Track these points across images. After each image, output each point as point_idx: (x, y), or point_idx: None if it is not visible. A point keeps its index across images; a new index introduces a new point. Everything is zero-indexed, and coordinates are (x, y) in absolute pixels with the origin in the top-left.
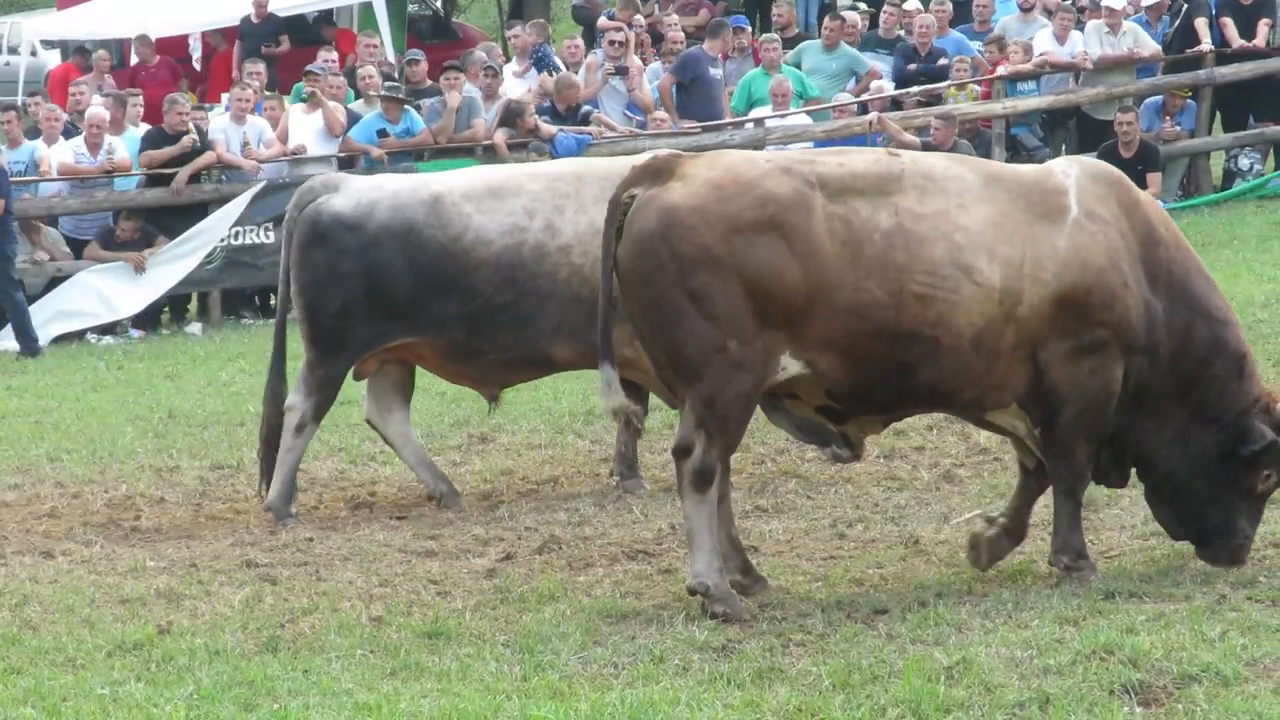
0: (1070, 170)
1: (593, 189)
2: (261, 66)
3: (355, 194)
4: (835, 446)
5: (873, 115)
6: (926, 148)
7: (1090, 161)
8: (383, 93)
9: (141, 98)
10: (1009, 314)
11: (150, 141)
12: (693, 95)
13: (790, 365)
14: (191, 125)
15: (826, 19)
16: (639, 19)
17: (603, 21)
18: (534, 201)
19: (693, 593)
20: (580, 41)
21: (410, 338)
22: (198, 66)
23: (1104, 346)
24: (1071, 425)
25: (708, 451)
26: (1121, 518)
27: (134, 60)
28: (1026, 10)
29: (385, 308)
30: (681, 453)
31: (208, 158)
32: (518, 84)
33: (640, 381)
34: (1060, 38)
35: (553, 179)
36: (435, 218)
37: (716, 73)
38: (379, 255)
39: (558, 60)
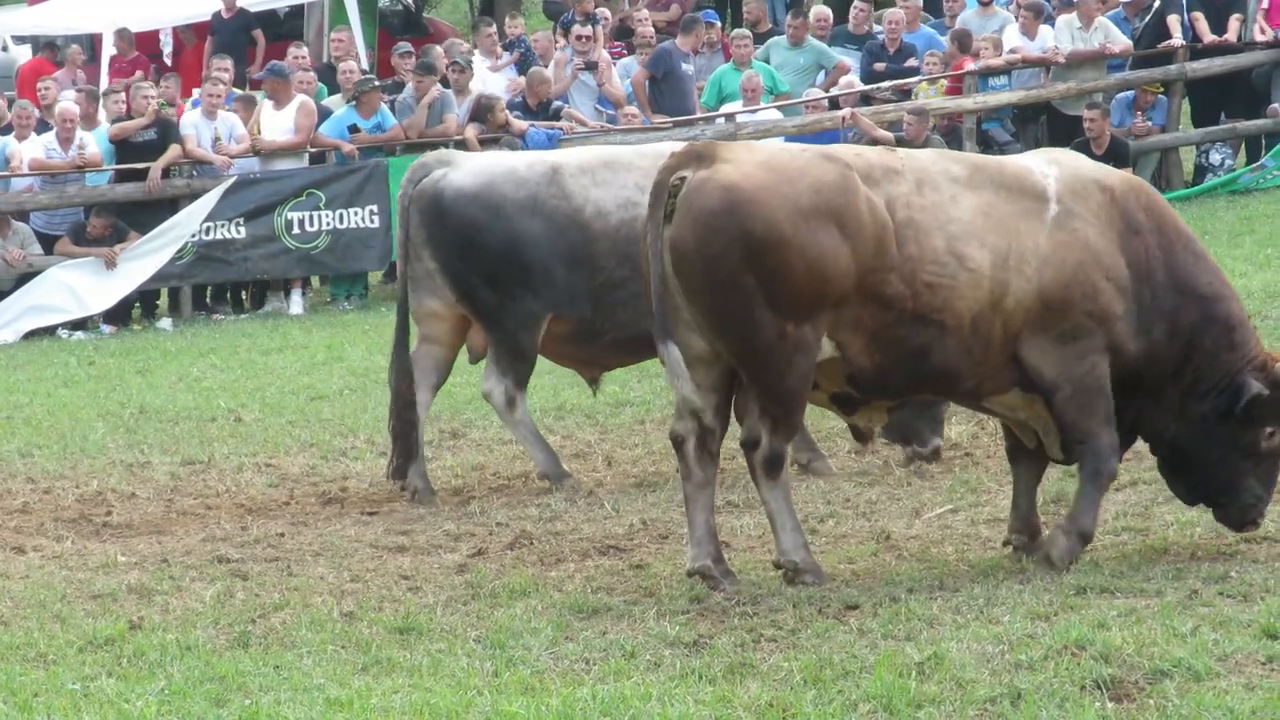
0: (1049, 169)
1: None
2: (229, 62)
3: (474, 169)
4: (916, 445)
5: (846, 111)
6: (900, 143)
7: (1066, 157)
8: (357, 86)
9: (124, 94)
10: (997, 304)
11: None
12: (665, 90)
13: (825, 346)
14: (154, 105)
15: (789, 15)
16: (603, 11)
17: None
18: (645, 178)
19: (779, 567)
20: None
21: (554, 312)
22: (169, 61)
23: (1088, 334)
24: (1069, 408)
25: (774, 437)
26: None
27: (107, 55)
28: (985, 4)
29: (530, 280)
30: (750, 444)
31: (175, 151)
32: (495, 77)
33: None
34: (1028, 32)
35: (660, 157)
36: (557, 189)
37: (688, 68)
38: (511, 226)
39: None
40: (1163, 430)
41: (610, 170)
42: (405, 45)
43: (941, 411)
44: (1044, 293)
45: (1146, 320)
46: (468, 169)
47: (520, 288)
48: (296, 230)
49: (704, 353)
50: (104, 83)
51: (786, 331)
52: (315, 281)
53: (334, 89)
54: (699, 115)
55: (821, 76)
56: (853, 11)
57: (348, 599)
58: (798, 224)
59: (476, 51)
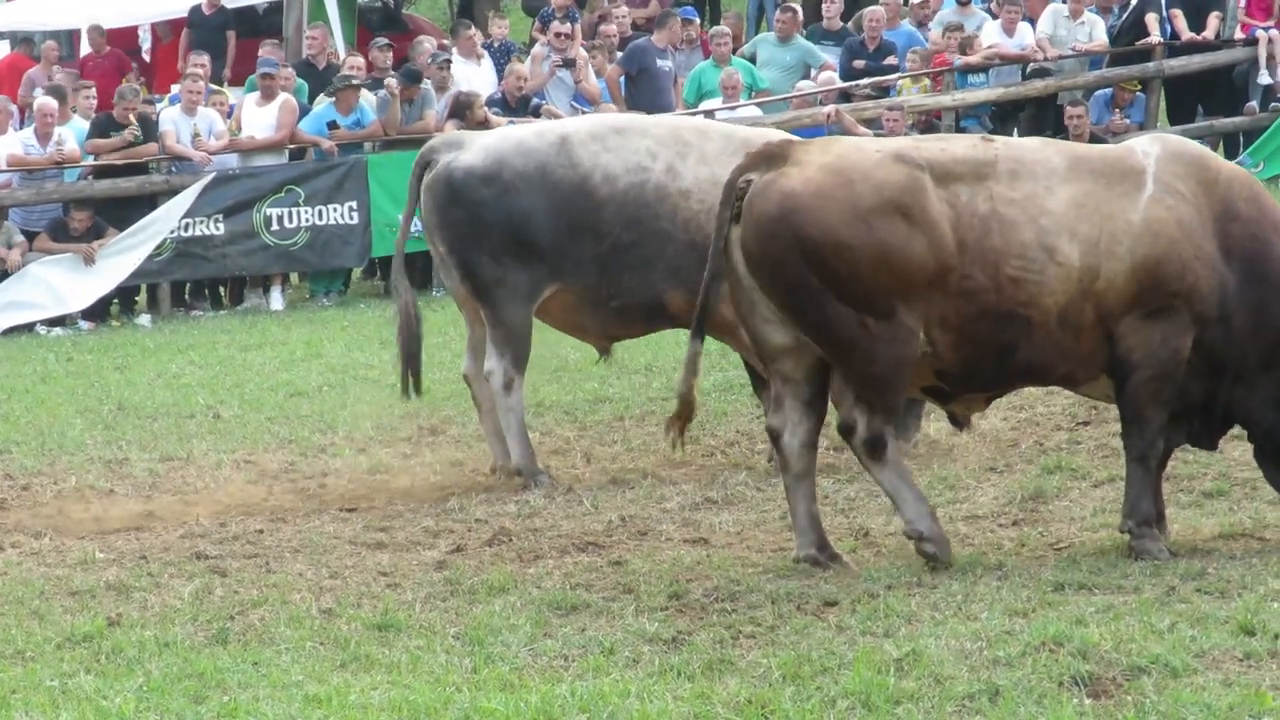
0: (1150, 149)
1: (716, 144)
2: (206, 58)
3: (483, 148)
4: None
5: (830, 108)
6: None
7: (1172, 139)
8: (337, 83)
9: (95, 89)
10: (1088, 290)
11: (98, 128)
12: (641, 86)
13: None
14: (134, 118)
15: (778, 12)
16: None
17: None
18: (658, 145)
19: (909, 537)
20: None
21: (556, 284)
22: (147, 58)
23: (1174, 314)
24: (1142, 392)
25: (871, 422)
26: (1071, 510)
27: (84, 50)
28: (963, 4)
29: (534, 253)
30: (847, 431)
31: (149, 148)
32: (479, 74)
33: (737, 349)
34: (1008, 30)
35: (676, 127)
36: (565, 157)
37: (665, 64)
38: (518, 202)
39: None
40: (1260, 420)
41: (622, 136)
42: (382, 40)
43: (921, 407)
44: (1136, 270)
45: (1229, 307)
46: (477, 148)
47: (522, 262)
48: (275, 227)
49: (787, 345)
50: None
51: (866, 323)
52: (294, 278)
53: (316, 86)
54: (678, 112)
55: (801, 75)
56: (825, 7)
57: (326, 596)
58: (856, 225)
59: (455, 51)
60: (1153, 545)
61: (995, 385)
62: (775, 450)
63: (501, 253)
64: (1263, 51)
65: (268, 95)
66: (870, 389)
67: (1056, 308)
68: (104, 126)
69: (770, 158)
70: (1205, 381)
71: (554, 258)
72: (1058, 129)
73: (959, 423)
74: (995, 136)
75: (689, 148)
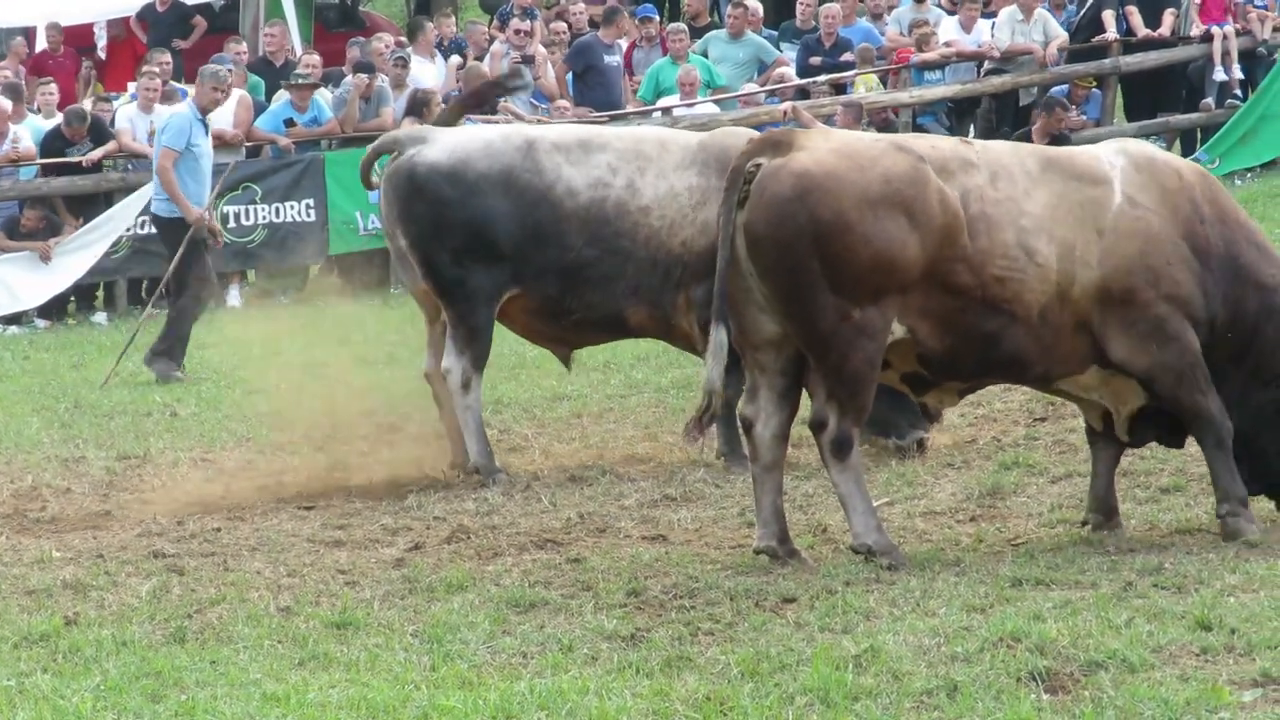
0: (1116, 160)
1: (675, 156)
2: (168, 56)
3: (448, 144)
4: (895, 438)
5: (787, 105)
6: None
7: (1134, 146)
8: (293, 80)
9: (55, 86)
10: (1064, 295)
11: (47, 145)
12: (588, 83)
13: (896, 329)
14: (86, 136)
15: (730, 7)
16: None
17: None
18: (618, 159)
19: (856, 552)
20: (484, 27)
21: (517, 288)
22: (103, 55)
23: (1165, 322)
24: (1181, 392)
25: (842, 420)
26: (1028, 505)
27: (39, 47)
28: (919, 1)
29: (496, 256)
30: (818, 427)
31: (109, 148)
32: (432, 71)
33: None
34: (966, 26)
35: (638, 140)
36: (531, 163)
37: (612, 60)
38: (481, 202)
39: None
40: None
41: (584, 149)
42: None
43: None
44: (1107, 279)
45: (1212, 308)
46: (442, 145)
47: (484, 262)
48: (233, 224)
49: (773, 336)
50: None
51: (850, 315)
52: (251, 275)
53: (273, 83)
54: (634, 109)
55: (756, 72)
56: (799, 7)
57: (284, 594)
58: (864, 212)
59: (412, 50)
60: (1248, 526)
61: (974, 376)
62: (746, 440)
63: (464, 253)
64: (1218, 48)
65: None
66: (843, 386)
67: (1038, 305)
68: (53, 141)
69: (777, 144)
70: None
71: (516, 262)
72: (1016, 126)
73: (930, 414)
74: (973, 140)
75: (649, 162)
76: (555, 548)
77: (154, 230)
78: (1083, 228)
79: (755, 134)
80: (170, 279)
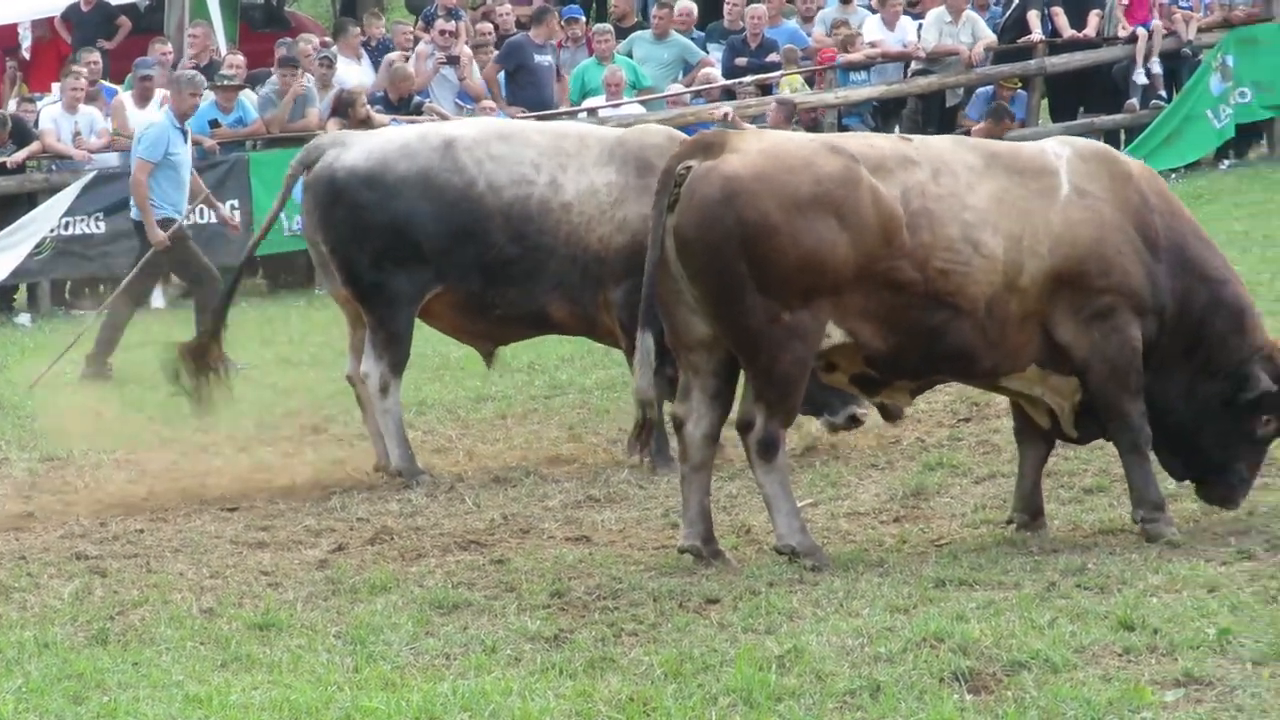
0: (1062, 151)
1: (594, 152)
2: (98, 55)
3: (367, 148)
4: (828, 416)
5: (727, 108)
6: None
7: (1081, 141)
8: (218, 80)
9: None
10: (1012, 285)
11: None
12: (519, 83)
13: (834, 333)
14: (9, 139)
15: (655, 8)
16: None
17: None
18: (540, 156)
19: (780, 552)
20: (410, 28)
21: (439, 287)
22: (27, 55)
23: (1112, 311)
24: (1107, 388)
25: (769, 421)
26: (952, 506)
27: None
28: (845, 2)
29: (416, 256)
30: (745, 427)
31: (33, 148)
32: (358, 71)
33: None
34: (889, 24)
35: (559, 136)
36: (450, 163)
37: (543, 60)
38: (401, 205)
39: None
40: (1171, 410)
41: (507, 145)
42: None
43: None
44: (1058, 269)
45: (1160, 298)
46: (360, 149)
47: (405, 265)
48: None
49: (705, 338)
50: None
51: (780, 317)
52: (174, 278)
53: None
54: (561, 109)
55: (681, 72)
56: (727, 7)
57: (207, 595)
58: (792, 214)
59: (337, 50)
60: (1167, 529)
61: (923, 374)
62: (677, 438)
63: (384, 256)
64: (1140, 49)
65: (144, 97)
66: (772, 388)
67: (984, 297)
68: None
69: (708, 146)
70: None
71: (438, 261)
72: (942, 127)
73: (890, 414)
74: (911, 136)
75: (570, 158)
76: (479, 549)
77: (83, 231)
78: (1030, 219)
79: (674, 131)
80: (130, 283)
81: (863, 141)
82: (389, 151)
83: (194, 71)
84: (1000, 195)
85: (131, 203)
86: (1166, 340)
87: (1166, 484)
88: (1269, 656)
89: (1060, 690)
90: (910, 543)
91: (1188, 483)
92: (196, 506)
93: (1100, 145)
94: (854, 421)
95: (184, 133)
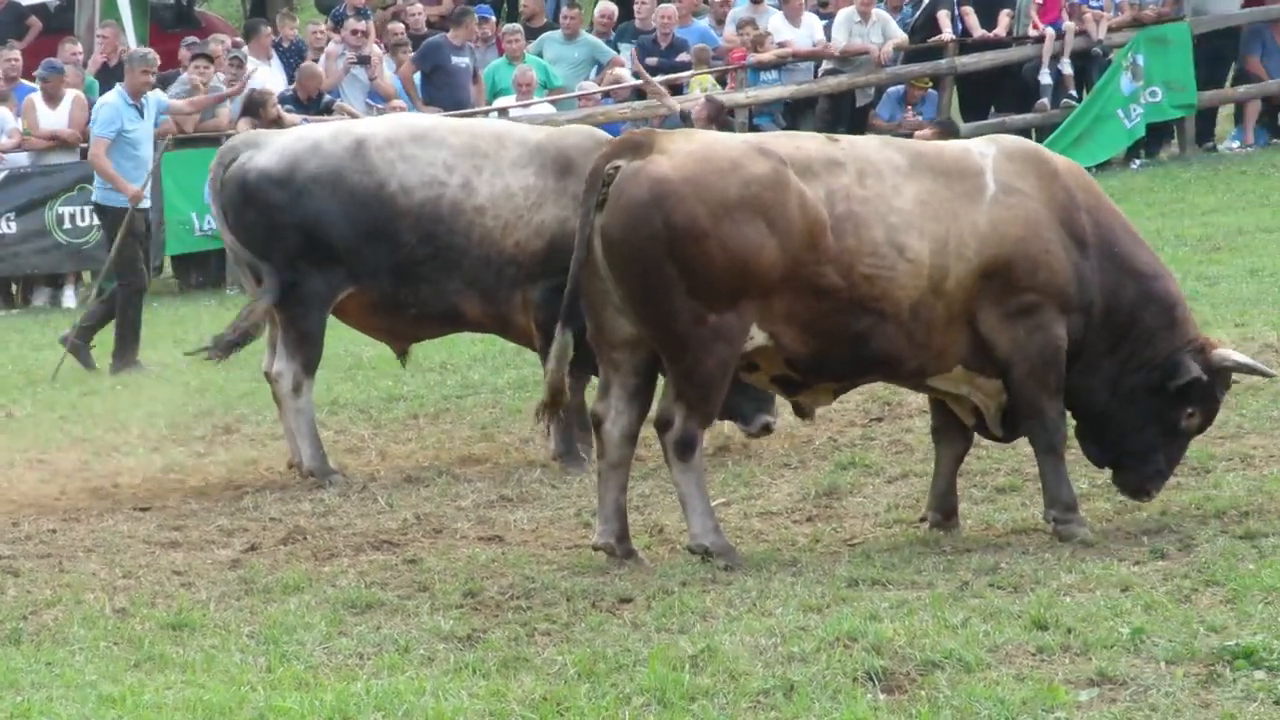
0: (987, 150)
1: (512, 154)
2: (17, 53)
3: (279, 148)
4: (740, 424)
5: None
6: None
7: (1007, 139)
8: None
9: None
10: (937, 288)
11: None
12: (435, 84)
13: (757, 335)
14: None
15: (564, 8)
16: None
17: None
18: (454, 157)
19: (693, 552)
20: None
21: (351, 287)
22: None
23: (1037, 308)
24: (1027, 385)
25: (688, 421)
26: (865, 505)
27: None
28: (756, 1)
29: (329, 257)
30: (663, 425)
31: None
32: (270, 73)
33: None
34: (793, 20)
35: (475, 136)
36: (361, 162)
37: (460, 61)
38: (312, 205)
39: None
40: (1095, 402)
41: (419, 145)
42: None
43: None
44: (985, 270)
45: (1088, 294)
46: (272, 149)
47: (316, 266)
48: (68, 225)
49: (629, 337)
50: None
51: (706, 319)
52: (87, 276)
53: (107, 84)
54: (471, 109)
55: (595, 71)
56: (637, 6)
57: (120, 595)
58: (720, 217)
59: (248, 51)
60: (1079, 530)
61: (848, 376)
62: (595, 436)
63: (295, 256)
64: (1048, 49)
65: (52, 97)
66: (693, 388)
67: (909, 301)
68: None
69: (637, 145)
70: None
71: (350, 261)
72: (852, 127)
73: (804, 413)
74: (838, 136)
75: (485, 159)
76: (392, 549)
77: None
78: (955, 221)
79: (598, 132)
80: (110, 267)
81: (790, 143)
82: (300, 151)
83: (147, 49)
84: (925, 198)
85: (95, 184)
86: (1094, 336)
87: (1080, 484)
88: (1182, 656)
89: (974, 690)
90: (823, 542)
91: (1101, 482)
92: (109, 506)
93: (1027, 143)
94: (766, 430)
95: (139, 110)
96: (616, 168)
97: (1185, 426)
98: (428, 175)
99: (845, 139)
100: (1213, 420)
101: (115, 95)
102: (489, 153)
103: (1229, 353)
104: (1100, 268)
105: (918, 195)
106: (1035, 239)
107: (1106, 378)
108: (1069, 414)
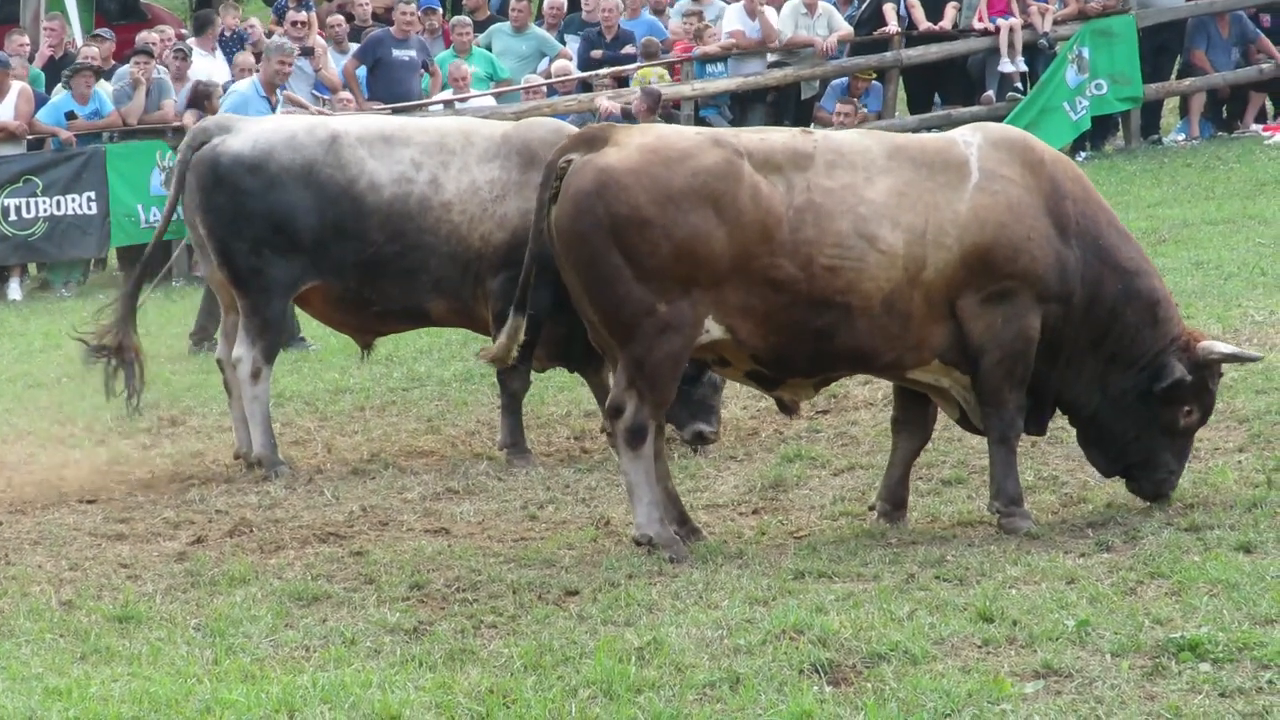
0: (972, 139)
1: (479, 148)
2: None
3: (253, 135)
4: (676, 429)
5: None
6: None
7: (992, 127)
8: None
9: None
10: (914, 279)
11: None
12: (379, 77)
13: (713, 329)
14: None
15: (513, 0)
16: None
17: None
18: (422, 154)
19: (638, 543)
20: (256, 21)
21: (316, 280)
22: None
23: (1014, 295)
24: (994, 373)
25: (639, 410)
26: (810, 498)
27: None
28: None
29: (294, 248)
30: (614, 412)
31: None
32: (213, 65)
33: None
34: (750, 13)
35: (443, 134)
36: (334, 158)
37: (403, 54)
38: (282, 195)
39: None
40: (1085, 403)
41: (387, 144)
42: (105, 31)
43: (712, 396)
44: (966, 257)
45: (1070, 284)
46: (247, 135)
47: (282, 255)
48: (14, 217)
49: None
50: None
51: (656, 309)
52: (33, 269)
53: (53, 76)
54: (415, 102)
55: (545, 63)
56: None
57: (66, 587)
58: (665, 206)
59: (193, 43)
60: (1023, 523)
61: (818, 370)
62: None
63: (262, 244)
64: (1004, 40)
65: None
66: (645, 377)
67: (880, 294)
68: None
69: (592, 140)
70: (1040, 363)
71: (316, 255)
72: (798, 119)
73: (787, 409)
74: (814, 130)
75: (452, 156)
76: (338, 541)
77: None
78: (935, 211)
79: (562, 124)
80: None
81: (755, 136)
82: (275, 141)
83: (283, 39)
84: (902, 188)
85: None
86: (1074, 330)
87: (1026, 475)
88: (1127, 648)
89: (920, 682)
90: (769, 535)
91: (1046, 474)
92: (55, 499)
93: (1014, 130)
94: (700, 439)
95: (269, 103)
96: (569, 161)
97: (1185, 425)
98: (396, 172)
99: (820, 132)
100: (1211, 412)
101: (249, 85)
102: (456, 148)
103: (1214, 344)
104: (1083, 259)
105: (893, 186)
106: (1018, 224)
107: (1093, 377)
108: (1067, 420)
